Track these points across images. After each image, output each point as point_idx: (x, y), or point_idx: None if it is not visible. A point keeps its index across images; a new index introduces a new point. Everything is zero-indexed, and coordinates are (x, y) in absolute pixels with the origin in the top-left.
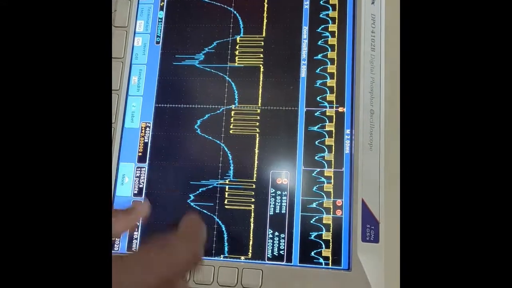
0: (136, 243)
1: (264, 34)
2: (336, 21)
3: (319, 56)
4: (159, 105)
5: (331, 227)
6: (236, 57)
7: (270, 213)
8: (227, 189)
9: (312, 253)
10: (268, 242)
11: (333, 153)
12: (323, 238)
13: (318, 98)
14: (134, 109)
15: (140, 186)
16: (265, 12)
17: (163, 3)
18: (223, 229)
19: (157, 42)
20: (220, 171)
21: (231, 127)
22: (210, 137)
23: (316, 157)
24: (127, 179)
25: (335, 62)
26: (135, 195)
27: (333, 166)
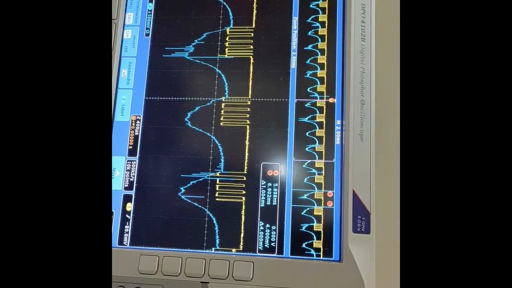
0: (128, 237)
1: (254, 25)
2: (326, 11)
3: (309, 47)
4: (149, 98)
5: (322, 219)
6: (226, 49)
7: (261, 205)
8: (218, 182)
9: (304, 245)
10: (259, 234)
11: (324, 144)
12: (314, 229)
13: (308, 89)
14: (124, 102)
15: (131, 179)
16: (254, 3)
17: None
18: (214, 221)
19: (147, 35)
20: (210, 163)
21: (221, 119)
22: (201, 130)
23: (307, 149)
24: (118, 173)
25: (326, 52)
26: (126, 188)
27: (324, 157)
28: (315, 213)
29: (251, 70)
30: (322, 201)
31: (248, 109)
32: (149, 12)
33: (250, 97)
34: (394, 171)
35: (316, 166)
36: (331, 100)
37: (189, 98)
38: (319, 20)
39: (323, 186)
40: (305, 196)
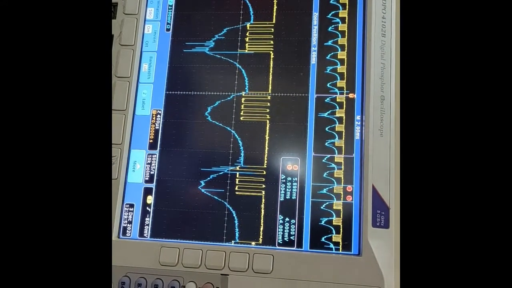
0: (148, 229)
1: (274, 21)
2: (347, 7)
3: (330, 42)
4: (170, 92)
5: (341, 213)
6: (246, 44)
7: (281, 199)
8: (237, 176)
9: (323, 239)
10: (278, 228)
11: (343, 139)
12: (334, 223)
13: (328, 85)
14: (145, 96)
15: (151, 172)
16: None
17: None
18: (234, 215)
19: (167, 30)
20: (230, 157)
21: (241, 113)
22: (221, 124)
23: (326, 143)
24: (139, 166)
25: (346, 48)
26: (146, 181)
27: (343, 152)
28: (334, 207)
29: (271, 65)
30: (342, 196)
31: (268, 104)
32: (169, 7)
33: (270, 92)
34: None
35: (335, 161)
36: (351, 95)
37: (210, 93)
38: (340, 15)
39: (342, 180)
40: (324, 191)
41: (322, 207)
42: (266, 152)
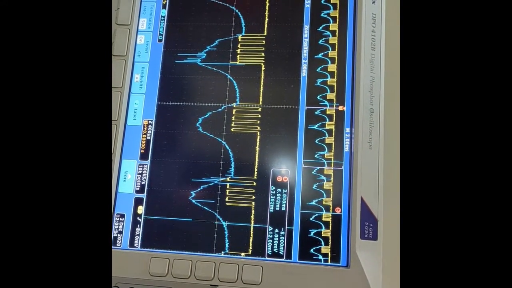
0: (138, 239)
1: (265, 33)
2: (337, 20)
3: (320, 55)
4: (162, 102)
5: (330, 225)
6: (238, 56)
7: (270, 210)
8: (228, 186)
9: (312, 250)
10: (268, 239)
11: (333, 151)
12: (323, 235)
13: (318, 97)
14: (136, 106)
15: (142, 183)
16: (266, 11)
17: (165, 1)
18: (224, 226)
19: (160, 40)
20: (221, 168)
21: (232, 125)
22: (212, 135)
23: (316, 155)
24: (130, 176)
25: (336, 61)
26: (137, 191)
27: (332, 164)
28: (323, 219)
29: (262, 77)
30: (331, 207)
31: (259, 116)
32: (162, 18)
33: (261, 103)
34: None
35: (325, 172)
36: (340, 108)
37: (201, 104)
38: (330, 29)
39: (331, 192)
40: (313, 202)
41: (311, 219)
42: (256, 163)
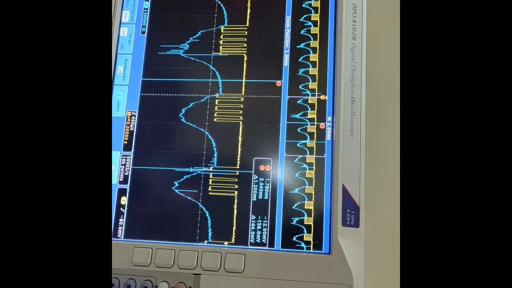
0: (122, 230)
1: (247, 24)
2: (319, 10)
3: (302, 45)
4: (145, 94)
5: (312, 212)
6: (220, 47)
7: (253, 199)
8: (211, 176)
9: (294, 238)
10: (251, 228)
11: (315, 140)
12: (305, 223)
13: (300, 86)
14: (119, 98)
15: (126, 174)
16: (248, 2)
17: None
18: (207, 215)
19: (143, 32)
20: (204, 158)
21: (215, 115)
22: (195, 125)
23: (298, 144)
24: (113, 167)
25: (317, 51)
26: (120, 182)
27: (314, 152)
28: (305, 207)
29: (245, 67)
30: (313, 195)
31: (241, 106)
32: (145, 10)
33: (243, 93)
34: (385, 166)
35: (307, 161)
36: (322, 97)
37: (184, 95)
38: (312, 19)
39: (313, 180)
40: (296, 191)
41: (293, 207)
42: (239, 153)
